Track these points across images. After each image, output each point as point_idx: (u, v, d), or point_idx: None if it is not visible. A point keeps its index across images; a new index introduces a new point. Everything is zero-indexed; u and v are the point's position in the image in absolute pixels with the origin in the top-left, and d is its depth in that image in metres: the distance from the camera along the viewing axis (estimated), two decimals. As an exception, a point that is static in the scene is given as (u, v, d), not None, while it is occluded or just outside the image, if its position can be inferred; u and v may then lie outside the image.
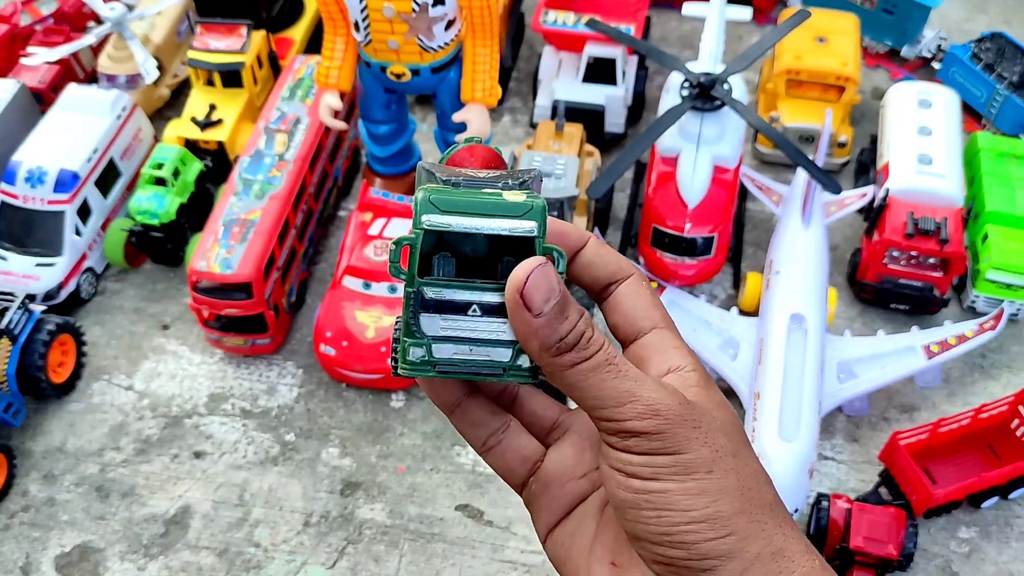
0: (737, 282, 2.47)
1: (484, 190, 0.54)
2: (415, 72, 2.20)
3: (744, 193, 2.59)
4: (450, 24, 2.11)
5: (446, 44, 2.15)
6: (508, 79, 3.00)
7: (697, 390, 0.56)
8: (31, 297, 2.28)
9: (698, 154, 2.30)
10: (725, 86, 2.29)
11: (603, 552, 0.59)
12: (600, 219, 2.53)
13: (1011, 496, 2.05)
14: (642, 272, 0.60)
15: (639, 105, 2.81)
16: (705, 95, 2.28)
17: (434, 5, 2.04)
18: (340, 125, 2.32)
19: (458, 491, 2.13)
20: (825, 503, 1.95)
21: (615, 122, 2.70)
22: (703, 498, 0.53)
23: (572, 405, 0.60)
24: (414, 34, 2.09)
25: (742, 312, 2.30)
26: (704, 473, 0.53)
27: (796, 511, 1.92)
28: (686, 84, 2.32)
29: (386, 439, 2.22)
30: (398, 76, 2.20)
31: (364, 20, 2.09)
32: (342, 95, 2.30)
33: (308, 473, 2.16)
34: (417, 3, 2.03)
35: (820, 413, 2.04)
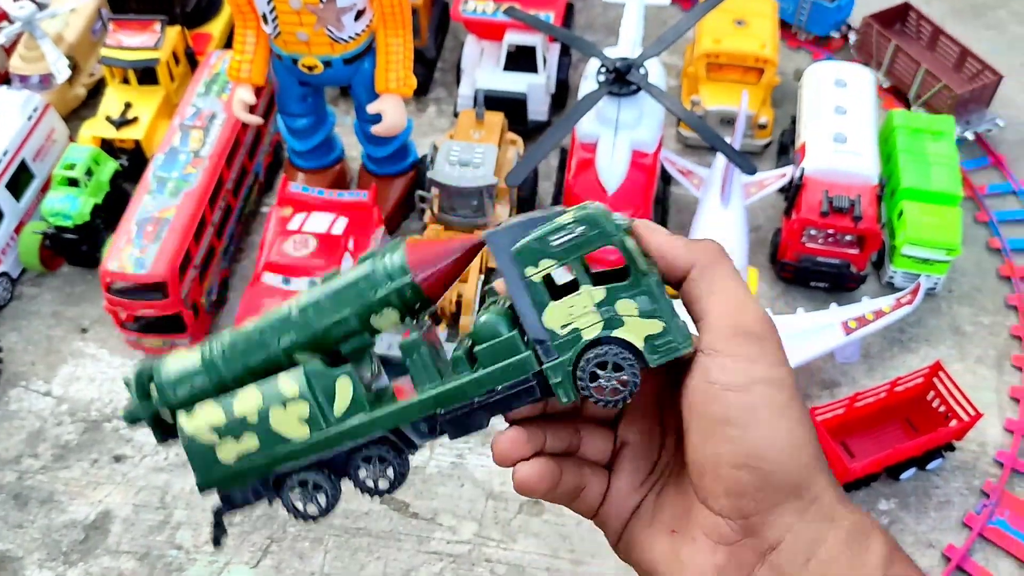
0: (661, 266, 2.48)
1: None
2: (327, 64, 2.17)
3: (669, 177, 2.60)
4: (360, 14, 2.09)
5: (357, 35, 2.13)
6: (433, 70, 2.99)
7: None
8: (-59, 304, 2.23)
9: (616, 139, 2.30)
10: (641, 71, 2.30)
11: (662, 526, 0.63)
12: (525, 207, 2.52)
13: (928, 467, 2.08)
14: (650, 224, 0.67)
15: (563, 92, 2.81)
16: (621, 80, 2.29)
17: (341, -5, 2.02)
18: (254, 120, 2.29)
19: (384, 484, 2.11)
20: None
21: (538, 110, 2.69)
22: (786, 422, 0.55)
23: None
24: (323, 25, 2.07)
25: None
26: (789, 396, 0.55)
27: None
28: (602, 70, 2.32)
29: (311, 435, 2.20)
30: (310, 68, 2.18)
31: (271, 12, 2.06)
32: (258, 89, 2.27)
33: (231, 473, 2.13)
34: (323, -7, 2.01)
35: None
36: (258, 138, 2.58)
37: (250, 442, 0.70)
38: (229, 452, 0.71)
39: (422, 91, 2.92)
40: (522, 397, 0.66)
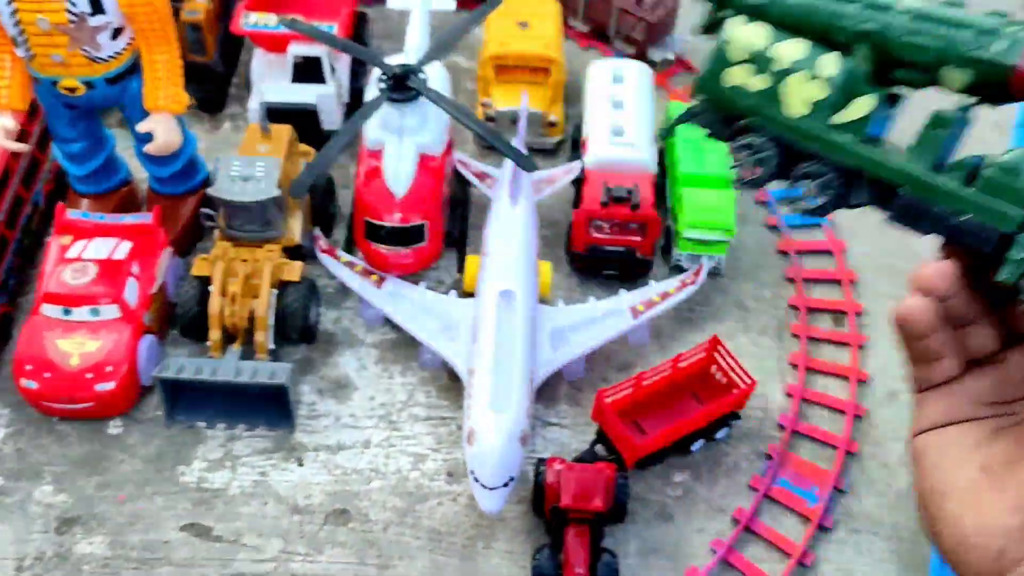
0: (461, 266, 2.52)
1: None
2: (89, 85, 2.11)
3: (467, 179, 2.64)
4: (118, 32, 2.04)
5: (118, 53, 2.08)
6: (228, 85, 2.94)
7: None
8: None
9: (402, 144, 2.32)
10: (421, 75, 2.33)
11: (977, 456, 0.63)
12: (322, 217, 2.51)
13: (716, 437, 2.19)
14: None
15: (358, 101, 2.81)
16: (401, 86, 2.31)
17: (93, 15, 1.96)
18: (20, 147, 2.19)
19: (183, 511, 2.06)
20: (542, 468, 2.01)
21: (331, 120, 2.69)
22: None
23: None
24: (77, 46, 2.00)
25: (464, 294, 2.35)
26: None
27: (512, 479, 1.97)
28: (383, 77, 2.33)
29: (104, 468, 2.12)
30: (71, 90, 2.11)
31: (21, 35, 1.99)
32: (28, 114, 2.18)
33: (19, 516, 2.04)
34: (73, 14, 1.95)
35: (534, 382, 2.11)
36: (36, 166, 2.47)
37: (759, 83, 0.73)
38: (738, 77, 0.74)
39: (217, 107, 2.87)
40: (971, 240, 0.66)
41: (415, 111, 2.35)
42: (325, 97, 2.65)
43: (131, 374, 2.13)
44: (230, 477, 2.12)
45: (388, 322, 2.39)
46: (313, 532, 2.05)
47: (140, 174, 2.60)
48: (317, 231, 2.46)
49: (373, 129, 2.34)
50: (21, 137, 2.28)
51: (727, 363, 2.18)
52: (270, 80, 2.67)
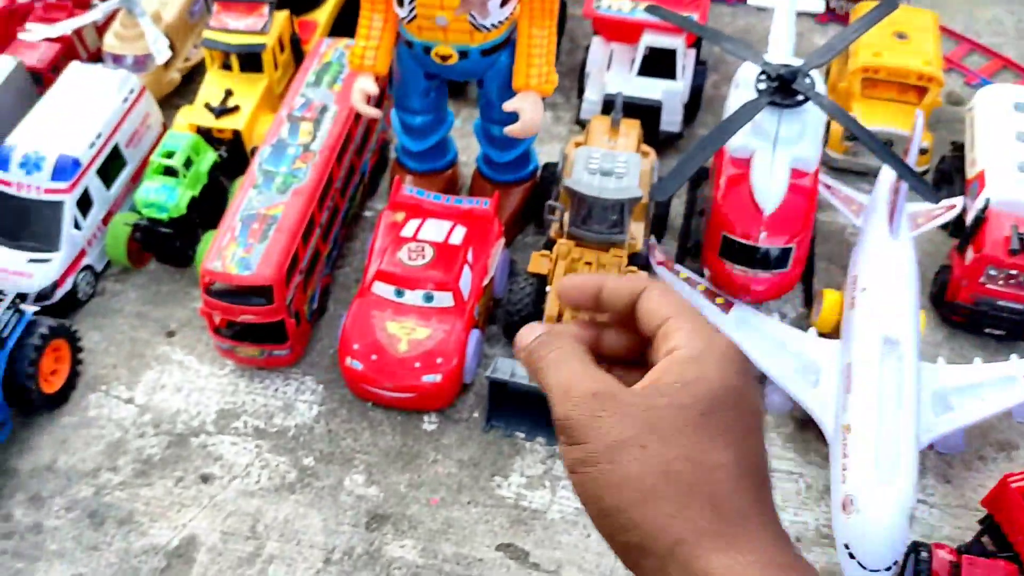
0: (809, 299, 2.22)
1: None
2: (463, 54, 1.95)
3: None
4: (506, 0, 1.87)
5: (500, 23, 1.91)
6: (549, 73, 2.76)
7: (682, 366, 0.56)
8: (22, 296, 2.03)
9: (775, 155, 2.06)
10: (807, 80, 2.05)
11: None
12: (658, 225, 2.28)
13: None
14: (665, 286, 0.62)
15: (695, 103, 2.57)
16: (785, 90, 2.04)
17: (491, -24, 1.80)
18: (375, 113, 2.06)
19: (499, 528, 1.87)
20: (925, 553, 1.70)
21: (671, 120, 2.46)
22: (609, 491, 0.54)
23: None
24: (466, 9, 1.85)
25: (818, 334, 2.06)
26: (606, 464, 0.54)
27: (896, 563, 1.66)
28: (763, 77, 2.08)
29: (417, 466, 1.96)
30: (444, 59, 1.96)
31: (411, -8, 1.85)
32: (377, 79, 2.06)
33: (329, 503, 1.91)
34: (471, -27, 1.79)
35: (919, 450, 1.79)
36: (366, 135, 2.36)
37: None
38: None
39: (536, 95, 2.69)
40: None
41: (795, 119, 2.07)
42: (672, 94, 2.42)
43: (458, 369, 1.97)
44: (550, 499, 1.91)
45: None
46: (641, 579, 1.80)
47: (461, 156, 2.46)
48: (654, 240, 2.23)
49: (741, 134, 2.08)
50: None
51: None
52: (612, 72, 2.46)
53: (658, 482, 0.54)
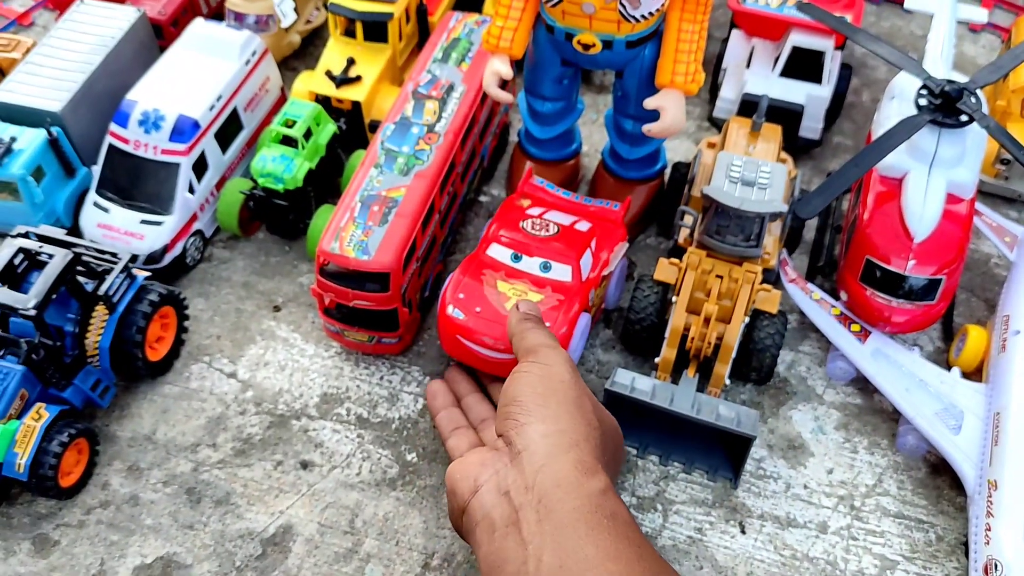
0: (949, 334, 2.07)
1: None
2: (607, 44, 1.83)
3: (957, 226, 2.18)
4: (662, -10, 1.75)
5: (651, 14, 1.79)
6: (678, 63, 2.62)
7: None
8: (133, 259, 1.98)
9: (931, 177, 1.91)
10: (973, 99, 1.89)
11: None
12: (792, 240, 2.15)
13: None
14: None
15: (836, 108, 2.42)
16: (948, 107, 1.89)
17: (651, -36, 1.68)
18: (507, 98, 1.96)
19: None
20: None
21: (812, 127, 2.31)
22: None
23: None
24: (619, -2, 1.73)
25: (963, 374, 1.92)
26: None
27: (1039, 641, 1.54)
28: (924, 92, 1.92)
29: (523, 474, 1.88)
30: (586, 47, 1.84)
31: (563, -25, 1.73)
32: (512, 62, 1.95)
33: (431, 504, 1.84)
34: (632, -39, 1.67)
35: (1068, 515, 1.65)
36: (490, 118, 2.26)
37: None
38: None
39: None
40: None
41: (955, 140, 1.92)
42: (816, 99, 2.27)
43: (564, 341, 1.84)
44: (661, 523, 1.81)
45: (854, 382, 2.00)
46: (753, 619, 1.71)
47: (584, 147, 2.36)
48: (786, 255, 2.10)
49: (895, 152, 1.93)
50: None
51: None
52: (754, 70, 2.32)
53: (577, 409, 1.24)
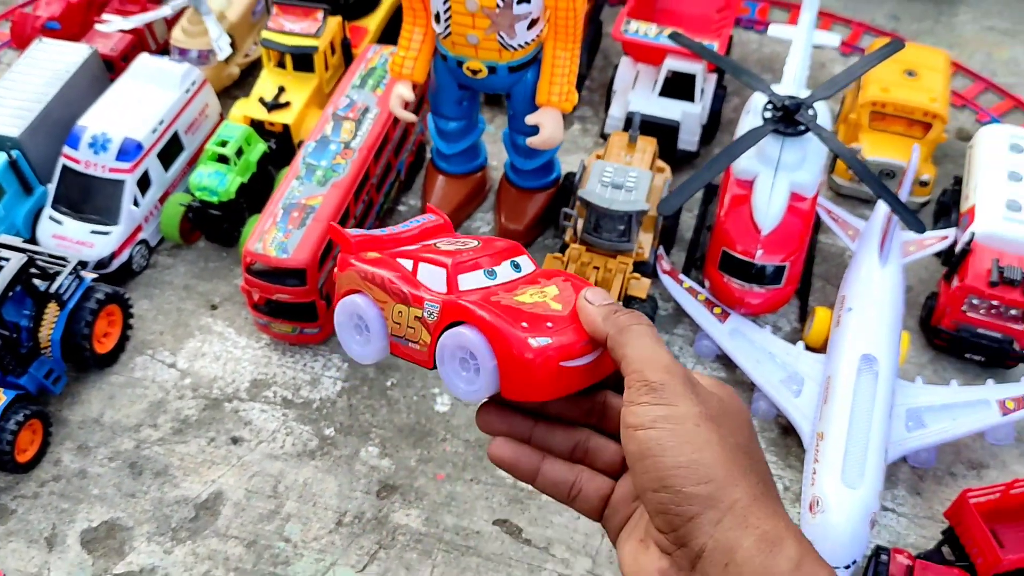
0: (804, 316, 2.37)
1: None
2: (492, 70, 2.13)
3: (817, 225, 2.49)
4: (533, 23, 2.05)
5: (526, 43, 2.09)
6: (581, 88, 2.93)
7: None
8: (83, 264, 2.25)
9: (776, 179, 2.21)
10: (810, 111, 2.21)
11: (637, 534, 0.73)
12: (667, 237, 2.44)
13: (1085, 570, 1.93)
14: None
15: (714, 124, 2.73)
16: (789, 119, 2.20)
17: (519, 2, 1.98)
18: (410, 117, 2.26)
19: (497, 504, 2.05)
20: (884, 557, 1.84)
21: (689, 140, 2.62)
22: (690, 447, 0.65)
23: None
24: (495, 30, 2.03)
25: (808, 347, 2.21)
26: (692, 425, 0.66)
27: (855, 563, 1.82)
28: (769, 106, 2.23)
29: (427, 443, 2.15)
30: (474, 72, 2.14)
31: (446, 12, 2.03)
32: (414, 87, 2.25)
33: (345, 471, 2.10)
34: (503, 0, 1.97)
35: (886, 461, 1.94)
36: (404, 136, 2.55)
37: None
38: None
39: (567, 108, 2.87)
40: None
41: (796, 147, 2.23)
42: (690, 116, 2.58)
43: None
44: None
45: (719, 359, 2.29)
46: (622, 559, 1.97)
47: (491, 161, 2.65)
48: (662, 250, 2.39)
49: (746, 158, 2.24)
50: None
51: (1117, 491, 1.90)
52: (636, 91, 2.63)
53: (733, 450, 0.66)
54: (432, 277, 0.82)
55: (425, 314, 0.80)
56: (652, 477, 0.66)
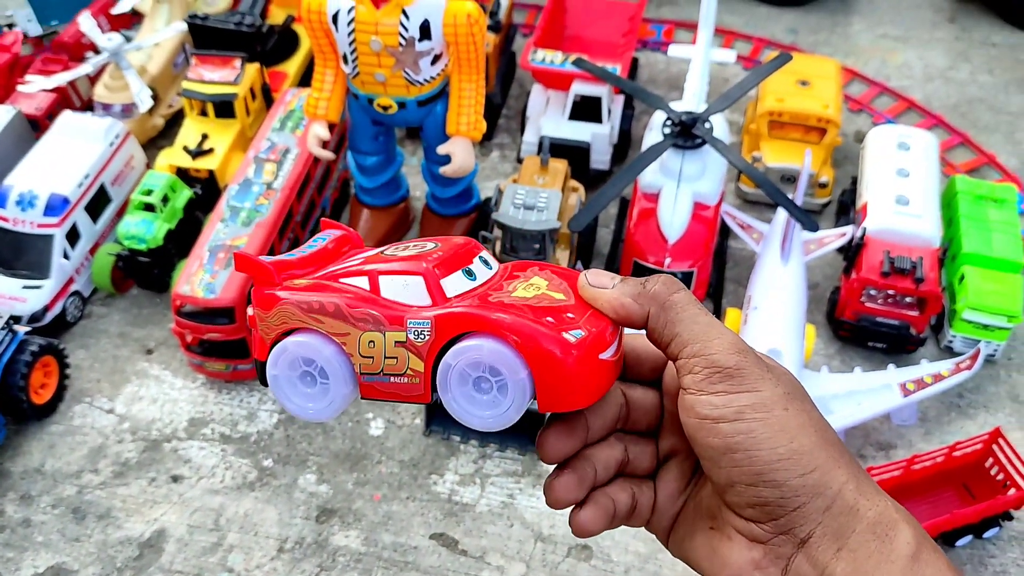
0: (717, 318, 2.49)
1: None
2: (401, 105, 2.24)
3: (727, 231, 2.62)
4: (436, 59, 2.16)
5: (432, 78, 2.20)
6: (498, 116, 3.05)
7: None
8: (16, 319, 2.30)
9: (679, 191, 2.34)
10: (706, 125, 2.34)
11: (703, 523, 0.66)
12: (583, 253, 2.56)
13: (985, 535, 2.05)
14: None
15: (625, 143, 2.86)
16: (686, 133, 2.33)
17: (420, 40, 2.09)
18: (327, 155, 2.35)
19: (433, 520, 2.13)
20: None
21: (600, 159, 2.74)
22: (786, 435, 0.59)
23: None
24: (400, 67, 2.14)
25: (721, 347, 2.32)
26: (781, 410, 0.59)
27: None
28: (668, 122, 2.36)
29: (363, 466, 2.22)
30: (385, 108, 2.25)
31: (352, 53, 2.14)
32: (332, 126, 2.35)
33: (284, 499, 2.17)
34: (404, 38, 2.08)
35: (795, 448, 2.05)
36: (327, 173, 2.65)
37: None
38: None
39: (487, 136, 2.98)
40: None
41: (696, 159, 2.36)
42: (600, 136, 2.70)
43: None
44: (479, 494, 2.17)
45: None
46: (555, 563, 2.06)
47: (414, 192, 2.75)
48: (579, 265, 2.50)
49: (651, 172, 2.37)
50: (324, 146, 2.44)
51: (1008, 459, 2.03)
52: (547, 116, 2.75)
53: (823, 428, 0.60)
54: (405, 290, 0.68)
55: (411, 335, 0.66)
56: (745, 471, 0.59)
